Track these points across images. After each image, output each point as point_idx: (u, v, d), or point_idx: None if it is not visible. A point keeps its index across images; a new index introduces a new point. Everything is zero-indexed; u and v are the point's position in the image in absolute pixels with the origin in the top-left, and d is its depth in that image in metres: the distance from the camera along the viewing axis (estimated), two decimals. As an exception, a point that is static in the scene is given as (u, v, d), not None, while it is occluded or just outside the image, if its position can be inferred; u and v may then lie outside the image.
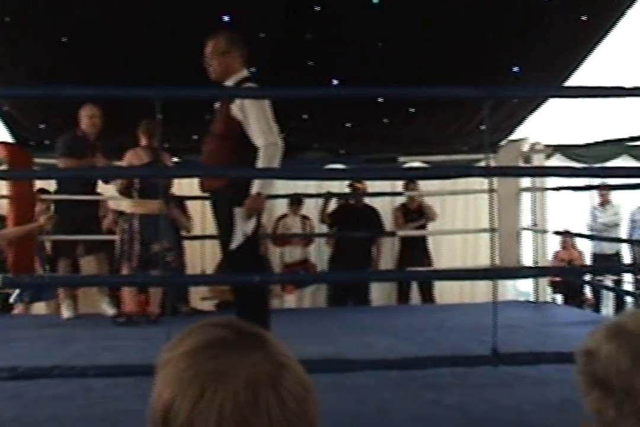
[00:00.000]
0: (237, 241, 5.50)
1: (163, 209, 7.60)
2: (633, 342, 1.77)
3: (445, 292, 11.66)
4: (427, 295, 11.17)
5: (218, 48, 5.67)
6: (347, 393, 5.02)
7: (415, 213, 11.28)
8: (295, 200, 11.27)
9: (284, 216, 11.48)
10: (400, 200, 11.54)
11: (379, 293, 11.86)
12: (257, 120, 5.40)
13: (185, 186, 9.69)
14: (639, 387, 1.74)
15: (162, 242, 7.84)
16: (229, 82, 5.66)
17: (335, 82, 9.35)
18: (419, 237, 11.28)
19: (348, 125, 10.84)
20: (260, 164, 5.37)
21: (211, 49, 5.69)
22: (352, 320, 8.41)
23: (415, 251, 11.19)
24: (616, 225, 13.04)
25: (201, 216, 9.54)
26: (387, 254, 11.86)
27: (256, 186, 5.42)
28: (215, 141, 5.66)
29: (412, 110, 10.34)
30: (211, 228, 6.54)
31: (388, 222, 11.61)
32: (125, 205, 8.56)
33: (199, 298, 9.96)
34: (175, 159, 9.82)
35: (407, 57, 9.09)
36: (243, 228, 5.49)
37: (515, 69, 9.71)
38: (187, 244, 9.88)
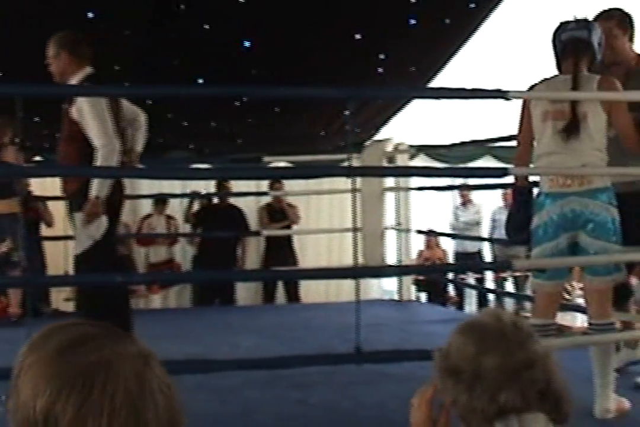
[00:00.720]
0: (81, 246, 5.43)
1: (14, 208, 7.45)
2: (479, 333, 1.93)
3: (311, 291, 11.71)
4: (292, 294, 11.21)
5: (50, 52, 5.64)
6: (212, 394, 5.00)
7: (280, 213, 11.32)
8: (160, 200, 11.17)
9: (148, 216, 11.38)
10: (266, 200, 11.56)
11: (245, 293, 11.84)
12: (93, 121, 5.35)
13: (49, 186, 9.49)
14: (485, 367, 1.86)
15: (6, 243, 7.69)
16: (72, 83, 5.60)
17: (200, 81, 9.28)
18: (284, 237, 11.32)
19: (213, 124, 10.78)
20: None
21: (48, 53, 5.65)
22: (218, 320, 8.38)
23: (280, 250, 11.22)
24: (477, 224, 13.31)
25: (63, 216, 9.35)
26: (252, 254, 11.87)
27: (94, 190, 5.33)
28: (64, 143, 5.59)
29: (277, 110, 10.33)
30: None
31: (253, 222, 11.62)
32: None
33: (62, 299, 9.78)
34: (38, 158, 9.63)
35: (273, 57, 9.08)
36: (88, 232, 5.40)
37: (380, 69, 9.80)
38: (49, 244, 9.69)
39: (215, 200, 11.37)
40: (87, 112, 5.35)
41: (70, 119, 5.43)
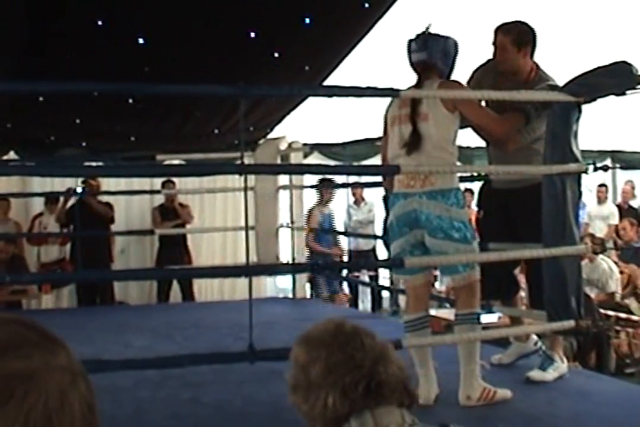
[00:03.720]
0: None
1: None
2: (313, 343, 2.04)
3: (206, 289, 11.67)
4: (187, 293, 11.14)
5: None
6: (104, 394, 4.88)
7: (172, 212, 11.24)
8: (52, 198, 10.99)
9: (40, 215, 11.20)
10: (160, 199, 11.51)
11: (139, 292, 11.75)
12: None
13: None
14: (313, 375, 1.97)
15: None
16: None
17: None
18: (178, 236, 11.24)
19: (106, 122, 10.66)
20: None
21: None
22: (110, 319, 8.30)
23: (174, 249, 11.13)
24: (370, 222, 13.39)
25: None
26: (146, 253, 11.81)
27: None
28: None
29: (171, 107, 10.26)
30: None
31: (147, 221, 11.55)
32: None
33: None
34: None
35: (168, 54, 9.01)
36: None
37: (275, 67, 9.80)
38: None
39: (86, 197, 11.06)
40: None
41: None
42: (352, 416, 1.87)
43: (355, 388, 1.89)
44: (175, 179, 10.97)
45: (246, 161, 7.94)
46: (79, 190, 10.15)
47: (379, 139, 8.50)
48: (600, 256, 10.50)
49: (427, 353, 4.81)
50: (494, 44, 5.34)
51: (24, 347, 1.17)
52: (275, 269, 6.81)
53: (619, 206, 14.30)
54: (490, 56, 5.44)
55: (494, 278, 5.18)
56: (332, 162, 12.87)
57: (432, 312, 5.42)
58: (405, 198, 4.78)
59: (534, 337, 5.73)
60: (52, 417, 1.11)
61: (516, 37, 5.29)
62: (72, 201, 10.81)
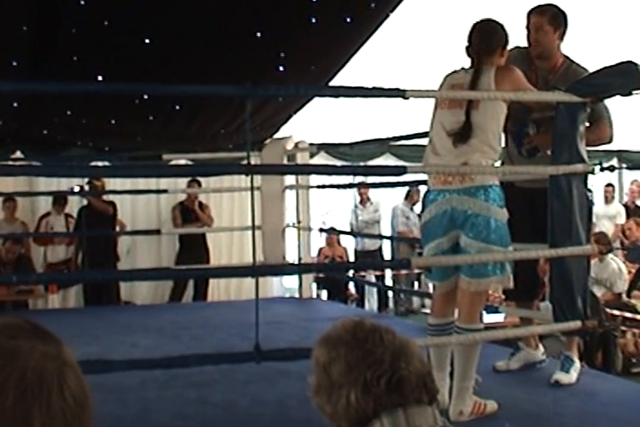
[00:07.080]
0: None
1: None
2: (332, 343, 2.00)
3: (212, 289, 11.67)
4: (200, 293, 11.17)
5: None
6: (109, 394, 4.94)
7: (194, 212, 11.28)
8: (60, 199, 10.99)
9: (47, 214, 11.20)
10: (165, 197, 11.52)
11: (147, 292, 11.74)
12: None
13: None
14: (334, 374, 1.94)
15: None
16: None
17: (100, 78, 9.16)
18: (198, 236, 11.29)
19: (113, 122, 10.66)
20: None
21: None
22: (117, 319, 8.30)
23: (195, 249, 11.16)
24: (376, 222, 13.39)
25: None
26: (153, 253, 11.82)
27: None
28: None
29: (177, 107, 10.26)
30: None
31: (153, 220, 11.57)
32: None
33: None
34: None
35: (174, 55, 9.01)
36: None
37: (281, 67, 9.80)
38: None
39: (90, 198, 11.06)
40: None
41: None
42: (384, 413, 1.86)
43: (377, 383, 1.88)
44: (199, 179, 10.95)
45: (252, 161, 7.94)
46: (76, 189, 10.12)
47: (385, 139, 8.55)
48: (610, 255, 10.49)
49: (447, 357, 4.64)
50: (528, 27, 5.24)
51: (15, 331, 1.21)
52: (283, 269, 6.80)
53: (625, 206, 14.31)
54: (518, 44, 5.33)
55: (521, 280, 5.03)
56: (338, 162, 12.86)
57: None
58: (442, 195, 4.51)
59: (542, 348, 5.68)
60: (27, 392, 1.14)
61: (551, 17, 5.23)
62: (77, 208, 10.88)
